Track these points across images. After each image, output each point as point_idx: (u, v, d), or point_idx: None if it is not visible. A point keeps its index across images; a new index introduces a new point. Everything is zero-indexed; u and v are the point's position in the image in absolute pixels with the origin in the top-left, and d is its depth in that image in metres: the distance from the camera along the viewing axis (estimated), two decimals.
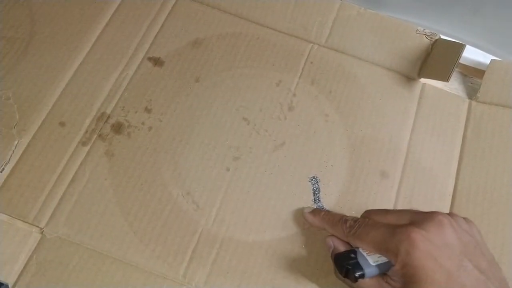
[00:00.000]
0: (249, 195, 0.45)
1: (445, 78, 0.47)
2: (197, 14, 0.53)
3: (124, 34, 0.51)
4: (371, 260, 0.35)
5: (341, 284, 0.42)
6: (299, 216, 0.44)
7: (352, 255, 0.36)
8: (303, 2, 0.52)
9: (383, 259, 0.35)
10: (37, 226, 0.42)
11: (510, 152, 0.48)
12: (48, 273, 0.40)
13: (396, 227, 0.34)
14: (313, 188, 0.46)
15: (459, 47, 0.47)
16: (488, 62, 0.51)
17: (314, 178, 0.46)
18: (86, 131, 0.46)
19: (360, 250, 0.36)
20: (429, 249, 0.32)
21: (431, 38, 0.51)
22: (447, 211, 0.45)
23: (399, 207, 0.45)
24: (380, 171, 0.47)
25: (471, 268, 0.32)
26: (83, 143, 0.46)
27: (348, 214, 0.44)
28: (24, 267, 0.40)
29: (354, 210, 0.45)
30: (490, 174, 0.47)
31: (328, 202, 0.45)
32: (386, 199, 0.46)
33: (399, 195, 0.46)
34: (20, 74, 0.48)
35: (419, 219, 0.34)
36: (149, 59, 0.50)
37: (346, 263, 0.35)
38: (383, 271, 0.35)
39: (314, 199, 0.45)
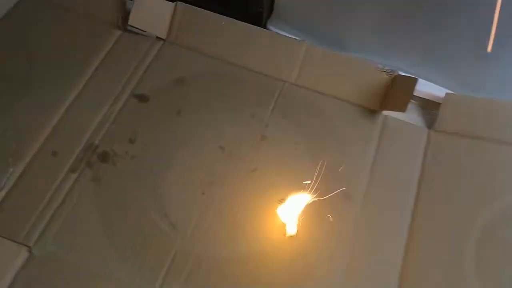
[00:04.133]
0: (222, 216, 0.49)
1: (403, 108, 0.52)
2: (181, 56, 0.59)
3: (113, 75, 0.57)
4: None
5: None
6: (269, 233, 0.48)
7: None
8: (274, 45, 0.58)
9: None
10: (26, 245, 0.46)
11: (467, 175, 0.52)
12: None
13: None
14: (282, 209, 0.49)
15: (413, 81, 0.52)
16: (443, 95, 0.56)
17: (283, 199, 0.50)
18: (76, 160, 0.51)
19: None
20: None
21: (391, 74, 0.57)
22: (406, 229, 0.49)
23: (362, 226, 0.49)
24: (344, 194, 0.51)
25: None
26: (72, 170, 0.50)
27: (314, 233, 0.48)
28: (12, 283, 0.44)
29: (320, 228, 0.49)
30: (446, 196, 0.51)
31: (297, 221, 0.49)
32: (349, 218, 0.49)
33: (361, 216, 0.50)
34: (18, 111, 0.53)
35: None
36: (135, 96, 0.55)
37: None
38: None
39: (283, 219, 0.49)
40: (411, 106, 0.59)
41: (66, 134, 0.52)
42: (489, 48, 0.37)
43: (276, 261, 0.47)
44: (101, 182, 0.50)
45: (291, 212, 0.48)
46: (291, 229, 0.48)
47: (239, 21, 0.59)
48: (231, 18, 0.59)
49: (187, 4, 0.60)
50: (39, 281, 0.44)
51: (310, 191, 0.50)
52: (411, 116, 0.58)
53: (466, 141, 0.54)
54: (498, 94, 0.54)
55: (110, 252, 0.46)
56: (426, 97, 0.58)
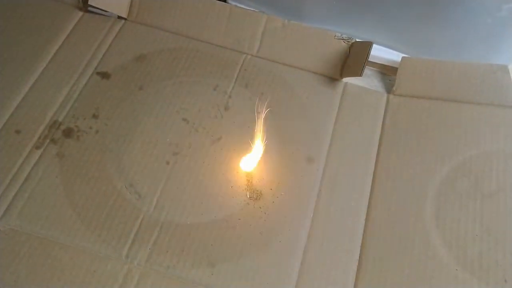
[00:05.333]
0: (187, 184, 0.49)
1: (359, 73, 0.53)
2: (142, 34, 0.59)
3: (76, 54, 0.57)
4: None
5: (269, 255, 0.46)
6: (235, 198, 0.49)
7: None
8: (235, 18, 0.59)
9: None
10: None
11: (425, 135, 0.54)
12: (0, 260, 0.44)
13: None
14: (246, 174, 0.50)
15: (368, 45, 0.54)
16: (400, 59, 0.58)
17: (248, 165, 0.51)
18: (40, 137, 0.51)
19: None
20: None
21: (348, 42, 0.58)
22: (369, 187, 0.50)
23: (324, 187, 0.50)
24: (307, 157, 0.52)
25: None
26: (37, 147, 0.50)
27: (277, 195, 0.49)
28: None
29: (283, 191, 0.50)
30: (405, 154, 0.53)
31: (261, 185, 0.50)
32: (312, 180, 0.51)
33: (324, 177, 0.51)
34: None
35: None
36: (98, 73, 0.56)
37: None
38: None
39: (248, 183, 0.50)
40: (371, 72, 0.61)
41: (29, 113, 0.53)
42: None
43: (242, 224, 0.48)
44: (65, 157, 0.50)
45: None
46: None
47: None
48: None
49: None
50: (5, 254, 0.44)
51: (274, 155, 0.51)
52: (370, 82, 0.59)
53: (424, 102, 0.56)
54: (451, 55, 0.56)
55: (76, 224, 0.47)
56: (384, 63, 0.60)
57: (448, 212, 0.49)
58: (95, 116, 0.53)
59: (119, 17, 0.61)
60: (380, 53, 0.59)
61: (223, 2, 0.60)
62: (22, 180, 0.48)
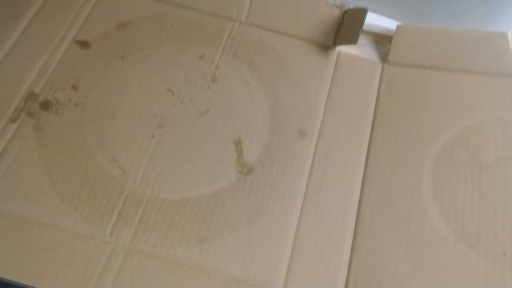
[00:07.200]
0: (174, 158, 0.47)
1: (353, 40, 0.51)
2: (124, 0, 0.56)
3: (53, 21, 0.54)
4: None
5: (261, 230, 0.44)
6: (223, 174, 0.47)
7: None
8: None
9: None
10: None
11: (421, 105, 0.52)
12: None
13: None
14: (236, 148, 0.48)
15: (362, 12, 0.51)
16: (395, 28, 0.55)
17: (237, 139, 0.48)
18: (15, 110, 0.48)
19: None
20: None
21: (341, 8, 0.55)
22: (363, 160, 0.49)
23: (317, 161, 0.48)
24: (299, 130, 0.50)
25: None
26: (12, 120, 0.47)
27: (269, 170, 0.47)
28: None
29: (275, 165, 0.48)
30: (400, 125, 0.51)
31: (251, 159, 0.48)
32: (304, 154, 0.48)
33: (316, 151, 0.49)
34: None
35: None
36: (77, 42, 0.53)
37: None
38: None
39: (237, 157, 0.48)
40: (365, 41, 0.58)
41: (2, 85, 0.49)
42: None
43: (232, 198, 0.46)
44: (43, 131, 0.47)
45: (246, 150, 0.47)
46: None
47: None
48: None
49: None
50: None
51: (264, 129, 0.49)
52: (365, 51, 0.57)
53: (419, 71, 0.54)
54: (447, 23, 0.54)
55: (56, 201, 0.44)
56: (379, 32, 0.57)
57: (445, 184, 0.47)
58: (74, 88, 0.50)
59: None
60: (373, 21, 0.57)
61: None
62: None
